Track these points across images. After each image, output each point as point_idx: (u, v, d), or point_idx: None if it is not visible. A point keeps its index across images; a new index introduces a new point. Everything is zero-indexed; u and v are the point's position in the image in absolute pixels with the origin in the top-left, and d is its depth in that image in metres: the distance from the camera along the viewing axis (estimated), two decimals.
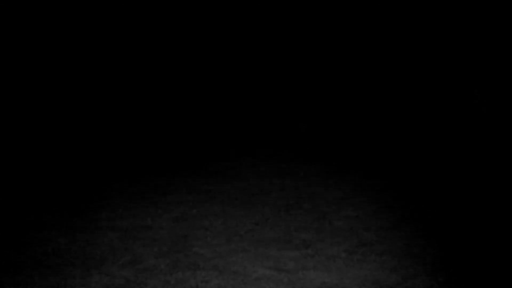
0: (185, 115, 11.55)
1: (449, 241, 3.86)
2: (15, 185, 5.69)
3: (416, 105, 9.08)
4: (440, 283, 3.04)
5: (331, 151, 8.06)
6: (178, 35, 11.99)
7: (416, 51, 9.37)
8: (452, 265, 3.24)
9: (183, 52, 12.24)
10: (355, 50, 10.77)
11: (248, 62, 12.46)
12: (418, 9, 9.23)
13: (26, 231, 4.04)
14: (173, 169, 6.62)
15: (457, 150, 7.08)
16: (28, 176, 6.15)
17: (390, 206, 4.69)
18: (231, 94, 12.34)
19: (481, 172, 6.26)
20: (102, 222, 4.29)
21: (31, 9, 9.89)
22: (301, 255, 3.56)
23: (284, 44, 11.85)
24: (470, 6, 8.37)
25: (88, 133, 9.58)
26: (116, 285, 3.07)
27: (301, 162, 7.07)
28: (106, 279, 3.15)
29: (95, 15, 10.86)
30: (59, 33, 10.48)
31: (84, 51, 10.97)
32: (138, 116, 11.17)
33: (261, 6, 11.35)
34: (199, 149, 8.39)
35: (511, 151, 6.93)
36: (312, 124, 10.45)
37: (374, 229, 3.99)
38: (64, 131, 9.42)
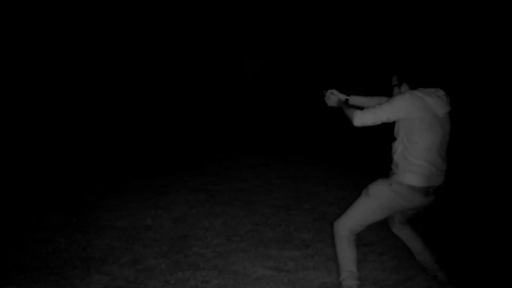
0: (185, 115, 11.55)
1: (449, 241, 3.86)
2: (15, 185, 5.69)
3: None
4: (440, 283, 3.04)
5: (331, 152, 8.06)
6: (182, 37, 12.00)
7: (415, 51, 9.39)
8: (452, 265, 3.24)
9: (185, 53, 12.24)
10: (353, 50, 10.78)
11: (249, 63, 12.47)
12: (417, 9, 9.24)
13: (26, 232, 4.04)
14: (173, 169, 6.62)
15: (457, 150, 7.08)
16: (28, 177, 6.14)
17: None
18: (232, 95, 12.35)
19: (481, 172, 6.26)
20: (102, 222, 4.29)
21: (31, 9, 9.89)
22: (301, 255, 3.56)
23: (282, 46, 11.90)
24: (470, 5, 8.38)
25: (88, 133, 9.58)
26: (116, 285, 3.08)
27: (301, 162, 7.07)
28: (106, 279, 3.15)
29: (95, 15, 10.87)
30: (60, 33, 10.48)
31: (84, 51, 10.98)
32: (138, 116, 11.17)
33: (263, 11, 11.42)
34: (199, 149, 8.39)
35: (511, 150, 6.93)
36: (312, 125, 10.46)
37: (374, 229, 3.99)
38: (64, 131, 9.43)
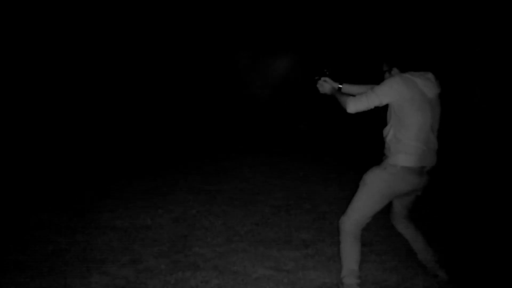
0: (185, 115, 11.55)
1: (449, 241, 3.86)
2: (15, 185, 5.69)
3: None
4: (440, 283, 3.04)
5: (331, 151, 8.06)
6: (182, 37, 12.00)
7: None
8: (452, 265, 3.24)
9: (185, 53, 12.23)
10: (352, 49, 10.79)
11: (250, 64, 12.46)
12: (417, 8, 9.24)
13: (26, 231, 4.03)
14: (173, 169, 6.62)
15: (457, 149, 7.09)
16: (28, 176, 6.15)
17: (390, 206, 4.69)
18: (233, 95, 12.34)
19: (481, 172, 6.26)
20: (102, 222, 4.29)
21: (31, 9, 9.89)
22: (301, 255, 3.56)
23: (282, 49, 11.94)
24: (471, 5, 8.38)
25: (88, 133, 9.58)
26: (116, 285, 3.07)
27: (301, 162, 7.07)
28: (106, 279, 3.15)
29: (95, 15, 10.86)
30: (59, 33, 10.47)
31: (84, 51, 10.97)
32: (139, 116, 11.17)
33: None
34: (199, 149, 8.39)
35: (511, 150, 6.93)
36: (312, 125, 10.46)
37: (374, 229, 3.99)
38: (64, 132, 9.42)
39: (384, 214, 4.35)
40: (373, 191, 2.75)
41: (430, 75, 2.74)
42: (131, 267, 3.33)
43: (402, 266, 3.34)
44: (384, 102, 2.69)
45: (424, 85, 2.66)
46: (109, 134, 9.67)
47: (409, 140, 2.64)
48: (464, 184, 5.72)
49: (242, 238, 3.90)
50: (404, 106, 2.63)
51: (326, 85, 3.04)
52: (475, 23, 8.42)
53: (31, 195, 5.23)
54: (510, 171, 6.15)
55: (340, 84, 3.11)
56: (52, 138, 8.86)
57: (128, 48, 11.60)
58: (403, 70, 2.76)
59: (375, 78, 2.93)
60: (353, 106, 2.71)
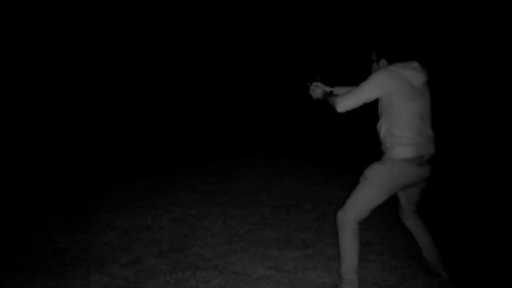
0: (185, 116, 11.54)
1: (449, 241, 3.85)
2: (15, 185, 5.69)
3: None
4: (440, 283, 3.04)
5: (331, 151, 8.05)
6: (182, 37, 12.01)
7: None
8: (452, 264, 3.24)
9: (184, 53, 12.24)
10: (353, 48, 10.79)
11: (250, 64, 12.46)
12: (417, 7, 9.25)
13: (26, 232, 4.04)
14: (173, 169, 6.62)
15: (456, 150, 7.09)
16: (28, 177, 6.15)
17: (390, 206, 4.68)
18: (233, 96, 12.34)
19: (481, 172, 6.25)
20: (102, 222, 4.30)
21: (31, 9, 9.89)
22: (301, 255, 3.56)
23: (277, 46, 11.95)
24: (471, 5, 8.38)
25: (88, 133, 9.58)
26: (116, 285, 3.08)
27: (301, 162, 7.07)
28: (106, 279, 3.15)
29: (95, 15, 10.87)
30: (59, 33, 10.48)
31: (84, 51, 10.97)
32: (139, 116, 11.17)
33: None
34: (199, 149, 8.39)
35: (511, 151, 6.93)
36: (312, 125, 10.45)
37: (374, 229, 3.99)
38: (64, 132, 9.42)
39: (385, 214, 4.34)
40: (374, 186, 2.76)
41: (415, 64, 2.74)
42: (131, 267, 3.34)
43: (402, 266, 3.34)
44: (372, 98, 2.70)
45: (410, 75, 2.67)
46: (110, 134, 9.66)
47: (402, 132, 2.65)
48: (466, 182, 5.72)
49: (242, 238, 3.90)
50: (392, 99, 2.64)
51: (318, 90, 3.06)
52: (475, 23, 8.41)
53: (31, 195, 5.24)
54: (510, 171, 6.15)
55: (332, 88, 3.12)
56: (52, 138, 8.86)
57: (128, 48, 11.61)
58: (390, 61, 2.77)
59: (365, 78, 2.93)
60: (342, 105, 2.72)
